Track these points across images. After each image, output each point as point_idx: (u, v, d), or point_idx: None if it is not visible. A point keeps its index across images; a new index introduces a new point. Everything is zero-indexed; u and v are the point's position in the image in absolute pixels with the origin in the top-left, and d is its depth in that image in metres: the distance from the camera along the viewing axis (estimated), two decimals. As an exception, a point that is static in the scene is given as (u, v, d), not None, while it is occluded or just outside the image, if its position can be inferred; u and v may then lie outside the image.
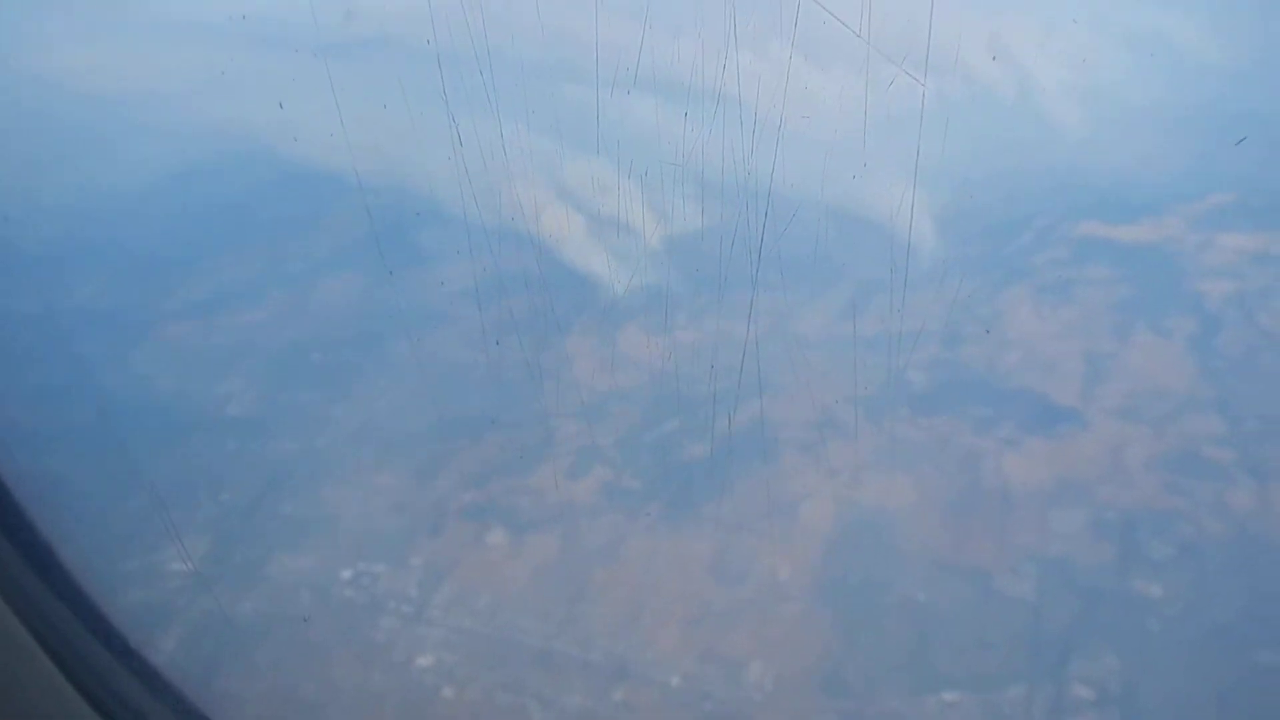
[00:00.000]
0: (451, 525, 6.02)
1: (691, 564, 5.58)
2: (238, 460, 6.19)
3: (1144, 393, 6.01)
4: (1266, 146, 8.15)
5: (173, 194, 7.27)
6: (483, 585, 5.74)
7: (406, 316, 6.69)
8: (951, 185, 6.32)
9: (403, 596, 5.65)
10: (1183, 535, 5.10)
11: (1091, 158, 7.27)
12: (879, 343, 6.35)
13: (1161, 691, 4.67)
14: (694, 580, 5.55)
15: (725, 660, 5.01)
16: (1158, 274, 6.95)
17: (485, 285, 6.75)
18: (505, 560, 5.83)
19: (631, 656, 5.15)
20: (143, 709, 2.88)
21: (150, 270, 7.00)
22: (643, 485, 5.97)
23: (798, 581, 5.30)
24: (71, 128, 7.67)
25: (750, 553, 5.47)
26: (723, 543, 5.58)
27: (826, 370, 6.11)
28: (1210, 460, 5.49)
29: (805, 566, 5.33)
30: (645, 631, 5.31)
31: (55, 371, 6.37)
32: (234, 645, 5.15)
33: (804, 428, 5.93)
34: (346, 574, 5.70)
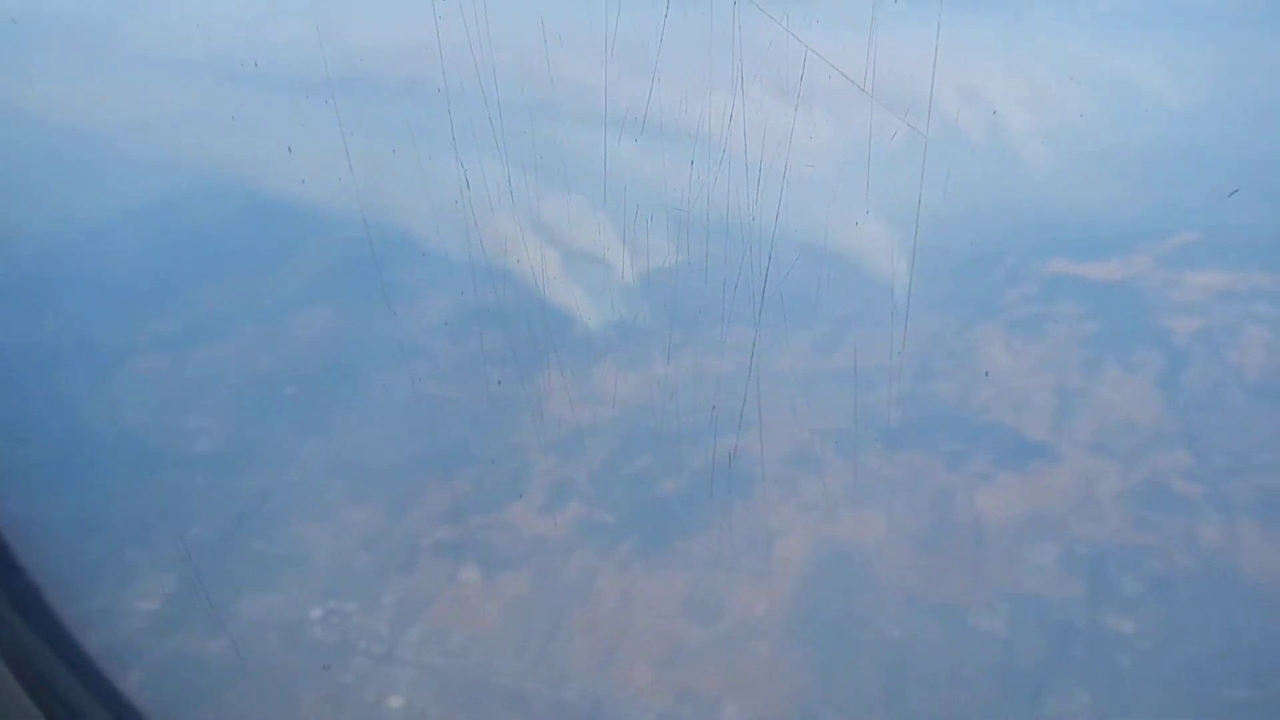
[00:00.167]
0: (424, 562, 5.94)
1: (666, 601, 5.53)
2: (207, 495, 6.10)
3: (1113, 427, 6.08)
4: (1229, 185, 8.36)
5: (146, 226, 7.24)
6: (456, 623, 5.66)
7: (381, 350, 6.67)
8: (923, 223, 6.42)
9: (374, 635, 5.55)
10: (1153, 570, 5.13)
11: (1059, 196, 7.43)
12: (852, 378, 6.40)
13: (1134, 728, 4.66)
14: (669, 617, 5.50)
15: (700, 699, 4.96)
16: (1126, 310, 7.08)
17: (461, 319, 6.77)
18: (479, 597, 5.75)
19: (606, 695, 5.09)
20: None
21: (121, 302, 6.94)
22: (618, 521, 5.93)
23: (773, 618, 5.27)
24: (48, 159, 7.65)
25: (725, 589, 5.44)
26: (698, 579, 5.54)
27: (801, 405, 6.13)
28: (1179, 495, 5.55)
29: (780, 603, 5.30)
30: (620, 670, 5.24)
31: (23, 404, 6.28)
32: (201, 686, 5.03)
33: (779, 463, 5.93)
34: (316, 612, 5.59)
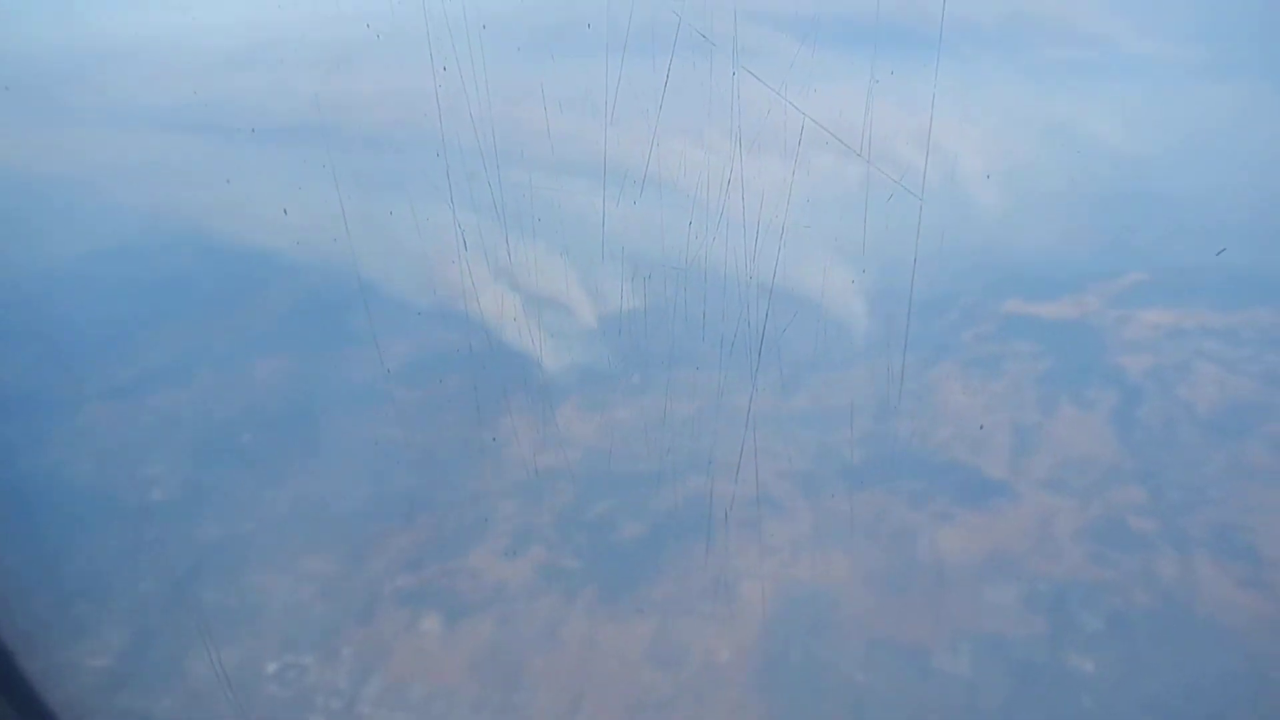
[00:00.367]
0: (384, 611, 5.83)
1: (631, 648, 5.46)
2: (160, 547, 5.95)
3: (1070, 464, 6.17)
4: (1175, 227, 8.63)
5: (102, 273, 7.14)
6: (416, 675, 5.54)
7: (341, 396, 6.61)
8: (881, 266, 6.54)
9: (332, 690, 5.42)
10: (1112, 607, 5.17)
11: (1012, 239, 7.61)
12: (814, 418, 6.44)
13: (1098, 769, 4.66)
14: (633, 666, 5.43)
15: (665, 749, 4.88)
16: (1080, 349, 7.23)
17: (423, 364, 6.73)
18: (439, 648, 5.64)
19: (569, 748, 4.99)
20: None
21: (73, 351, 6.81)
22: (581, 566, 5.88)
23: (738, 664, 5.22)
24: (4, 210, 7.56)
25: (690, 635, 5.39)
26: (662, 625, 5.48)
27: (763, 446, 6.14)
28: (1135, 531, 5.62)
29: (745, 648, 5.26)
30: (584, 720, 5.16)
31: (-31, 456, 6.13)
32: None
33: (742, 504, 5.93)
34: (272, 667, 5.46)
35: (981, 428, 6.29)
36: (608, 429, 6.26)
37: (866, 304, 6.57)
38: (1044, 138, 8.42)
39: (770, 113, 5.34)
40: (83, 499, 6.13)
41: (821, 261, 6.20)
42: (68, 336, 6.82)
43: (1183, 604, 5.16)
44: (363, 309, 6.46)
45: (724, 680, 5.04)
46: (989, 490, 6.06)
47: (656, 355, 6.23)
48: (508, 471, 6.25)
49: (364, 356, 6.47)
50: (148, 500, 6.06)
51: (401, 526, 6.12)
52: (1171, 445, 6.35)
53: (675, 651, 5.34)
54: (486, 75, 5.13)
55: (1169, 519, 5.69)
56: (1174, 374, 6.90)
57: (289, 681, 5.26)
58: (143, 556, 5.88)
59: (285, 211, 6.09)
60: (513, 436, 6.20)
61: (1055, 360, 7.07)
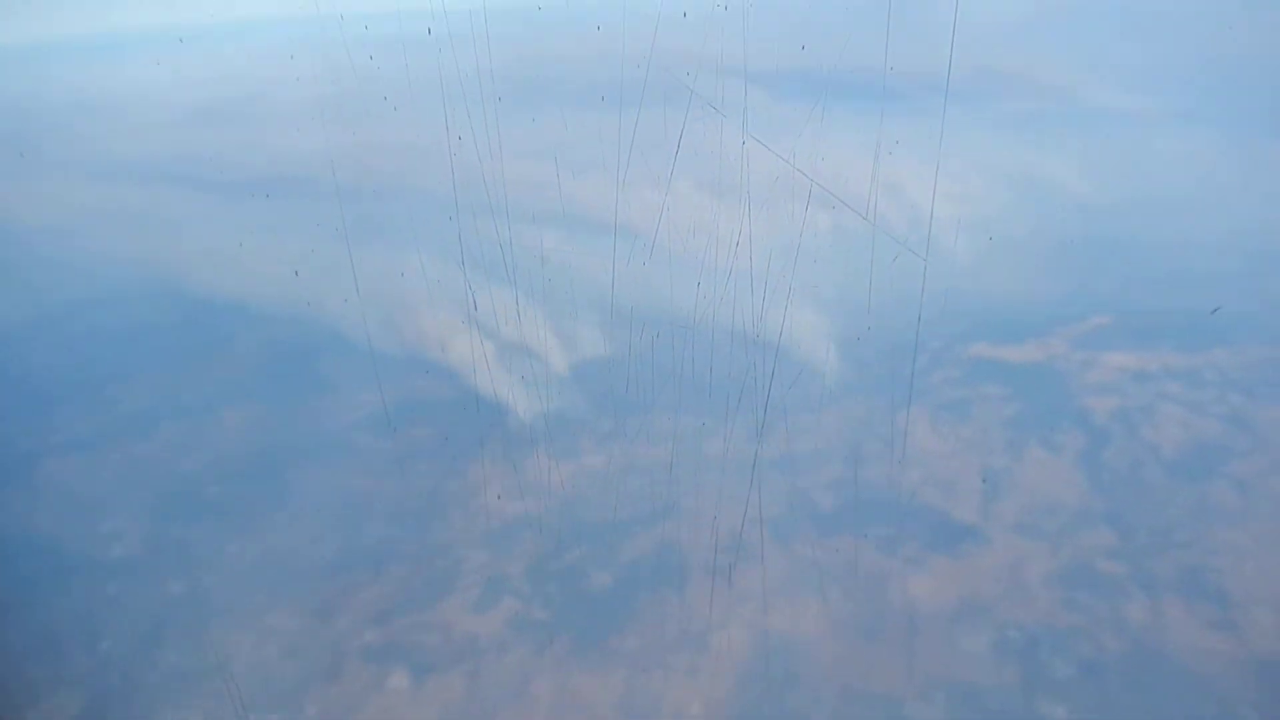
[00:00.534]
0: (351, 668, 5.69)
1: (602, 701, 5.35)
2: (120, 605, 5.80)
3: (1039, 508, 6.20)
4: (1136, 271, 8.83)
5: (66, 325, 7.10)
6: (384, 735, 5.39)
7: (308, 447, 6.55)
8: (850, 311, 6.63)
9: (295, 751, 5.26)
10: (1083, 653, 5.15)
11: (978, 284, 7.77)
12: (784, 464, 6.45)
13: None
14: (605, 720, 5.31)
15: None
16: (1046, 392, 7.33)
17: (392, 413, 6.70)
18: (408, 705, 5.51)
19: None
20: None
21: (34, 403, 6.74)
22: (551, 617, 5.79)
23: (710, 717, 5.12)
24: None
25: (661, 688, 5.29)
26: (633, 678, 5.39)
27: (734, 493, 6.14)
28: (1105, 574, 5.64)
29: (717, 700, 5.16)
30: (554, 780, 5.04)
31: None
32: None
33: (713, 552, 5.89)
34: (234, 729, 5.30)
35: (984, 481, 6.31)
36: (576, 476, 6.25)
37: (837, 350, 6.66)
38: (1006, 183, 8.65)
39: (778, 180, 5.55)
40: (40, 555, 6.00)
41: (787, 307, 6.28)
42: (28, 389, 6.76)
43: (1153, 648, 5.15)
44: (332, 360, 6.45)
45: (696, 734, 4.94)
46: (960, 534, 6.10)
47: (622, 403, 6.25)
48: (476, 521, 6.20)
49: (332, 406, 6.44)
50: (108, 556, 5.94)
51: (370, 579, 6.02)
52: (1138, 487, 6.41)
53: (647, 704, 5.24)
54: (500, 142, 5.27)
55: (1138, 561, 5.71)
56: (1139, 416, 7.00)
57: (251, 743, 5.09)
58: (102, 615, 5.73)
59: (297, 273, 6.15)
60: (482, 484, 6.16)
61: (1023, 403, 7.17)
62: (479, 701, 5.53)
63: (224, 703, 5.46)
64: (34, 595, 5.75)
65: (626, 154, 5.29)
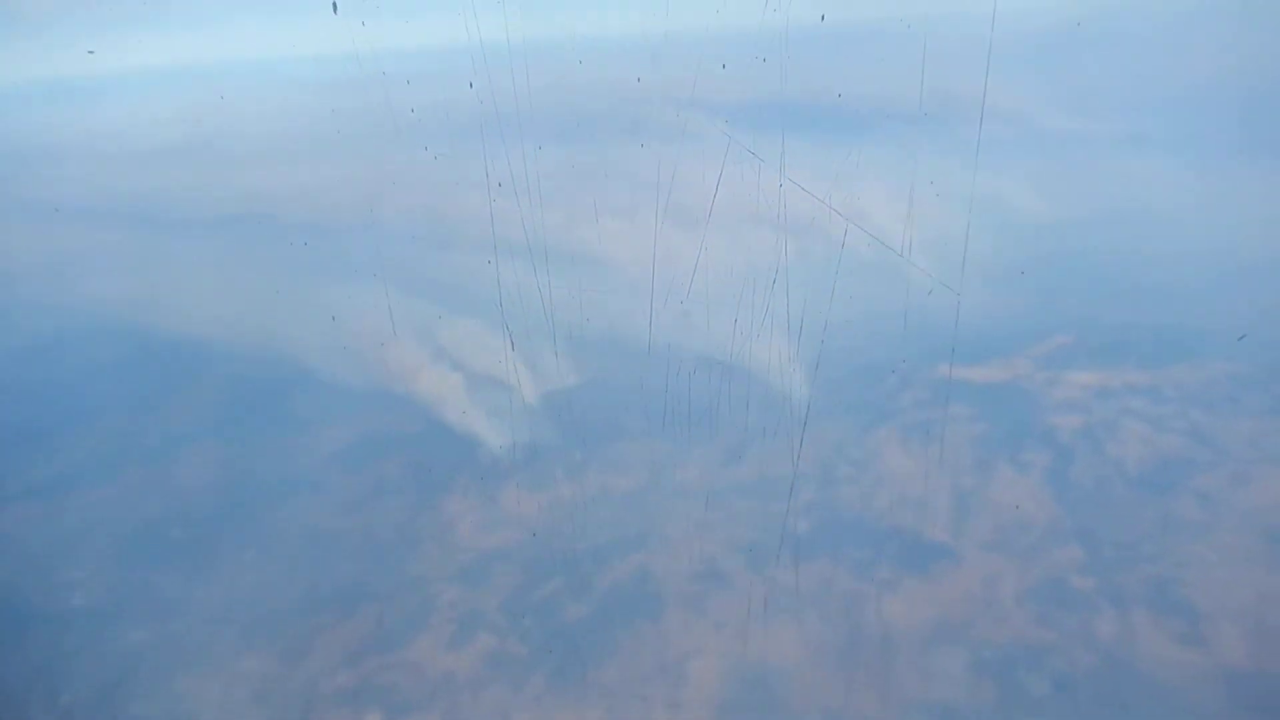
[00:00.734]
0: (322, 712, 5.56)
1: (581, 737, 5.28)
2: (82, 656, 5.63)
3: (1009, 526, 6.27)
4: (1097, 290, 9.03)
5: (19, 371, 6.93)
6: (356, 781, 5.28)
7: (275, 486, 6.44)
8: (819, 335, 6.71)
9: (265, 802, 5.12)
10: (1056, 669, 5.19)
11: (943, 306, 7.88)
12: (758, 489, 6.47)
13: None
14: (583, 756, 5.24)
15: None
16: (1012, 411, 7.44)
17: (360, 448, 6.62)
18: (381, 749, 5.39)
19: None
20: None
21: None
22: (528, 651, 5.72)
23: (689, 748, 5.07)
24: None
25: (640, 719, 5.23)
26: (612, 710, 5.33)
27: (708, 520, 6.14)
28: (1075, 590, 5.70)
29: (696, 731, 5.12)
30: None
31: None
32: None
33: (688, 580, 5.88)
34: (201, 781, 5.16)
35: (1017, 506, 6.36)
36: (550, 507, 6.21)
37: (806, 373, 6.71)
38: (968, 206, 8.83)
39: (814, 222, 5.70)
40: (-2, 607, 5.81)
41: (758, 334, 6.34)
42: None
43: (1125, 662, 5.20)
44: (298, 396, 6.33)
45: (675, 767, 4.89)
46: (932, 554, 6.14)
47: (593, 431, 6.23)
48: (449, 556, 6.13)
49: (299, 444, 6.33)
50: (68, 607, 5.77)
51: (341, 619, 5.92)
52: (1104, 502, 6.51)
53: (626, 738, 5.17)
54: (540, 189, 5.34)
55: (1106, 576, 5.79)
56: (1104, 432, 7.13)
57: (219, 795, 4.95)
58: (63, 667, 5.56)
59: (334, 318, 6.13)
60: (454, 518, 6.09)
61: (990, 423, 7.26)
62: (455, 742, 5.43)
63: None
64: (-8, 648, 5.56)
65: (665, 196, 5.42)
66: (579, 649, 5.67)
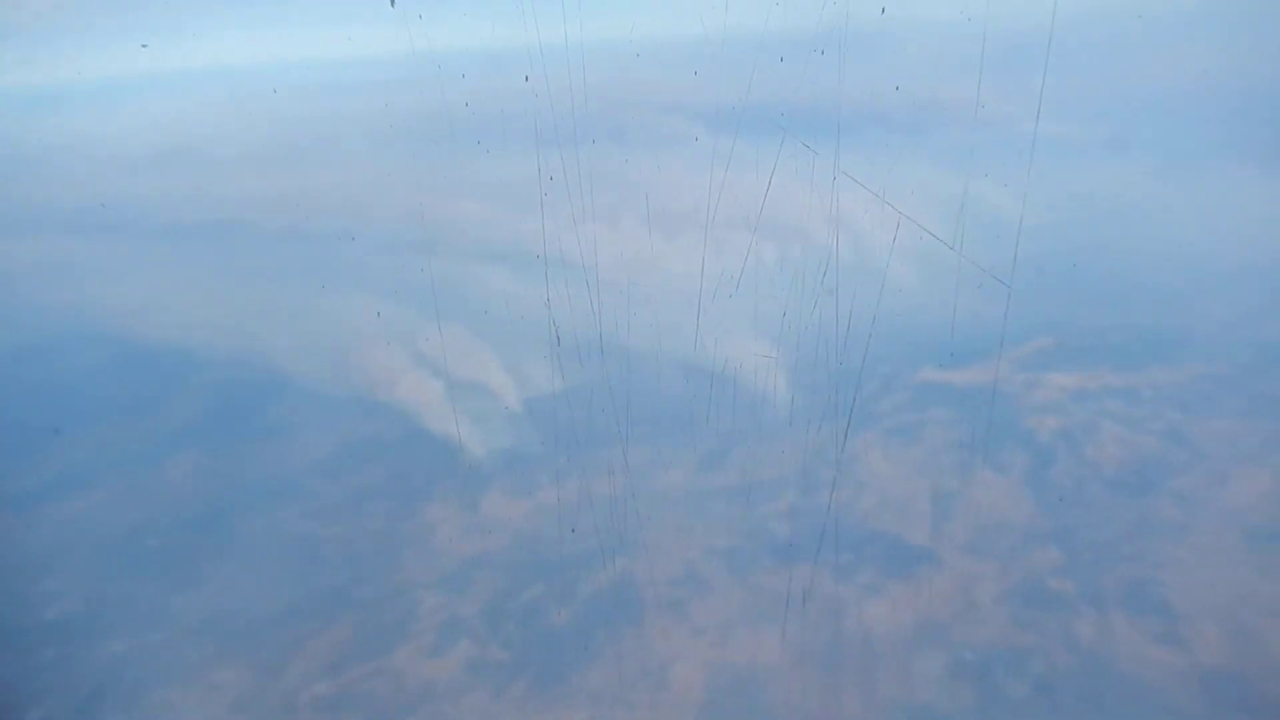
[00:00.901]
0: (302, 722, 5.52)
1: (563, 744, 5.27)
2: (58, 669, 5.56)
3: (989, 528, 6.30)
4: (1075, 293, 9.10)
5: (8, 378, 6.85)
6: (336, 792, 5.24)
7: (255, 493, 6.39)
8: (799, 339, 6.73)
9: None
10: (1036, 671, 5.22)
11: (922, 309, 7.93)
12: (739, 493, 6.48)
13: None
14: (566, 762, 5.23)
15: None
16: (992, 413, 7.49)
17: (341, 455, 6.58)
18: (362, 759, 5.36)
19: None
20: None
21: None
22: (510, 657, 5.70)
23: (672, 754, 5.08)
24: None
25: (622, 725, 5.23)
26: (594, 716, 5.32)
27: (689, 524, 6.15)
28: (1054, 592, 5.74)
29: (678, 736, 5.12)
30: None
31: None
32: None
33: (670, 585, 5.88)
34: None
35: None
36: (531, 513, 6.19)
37: (787, 377, 6.72)
38: (944, 209, 8.88)
39: (867, 213, 5.74)
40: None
41: (740, 339, 6.36)
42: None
43: (1104, 663, 5.24)
44: (279, 403, 6.29)
45: (657, 772, 4.88)
46: (913, 557, 6.17)
47: (575, 437, 6.23)
48: (430, 562, 6.09)
49: (279, 451, 6.28)
50: (44, 619, 5.69)
51: (320, 629, 5.87)
52: (1082, 504, 6.56)
53: (608, 744, 5.16)
54: (592, 186, 5.34)
55: (1085, 578, 5.83)
56: (1082, 434, 7.19)
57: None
58: (38, 680, 5.49)
59: (379, 314, 6.07)
60: (435, 525, 6.05)
61: (970, 426, 7.31)
62: (437, 751, 5.40)
63: (170, 766, 5.26)
64: (-36, 662, 5.49)
65: (717, 193, 5.44)
66: (561, 654, 5.66)
